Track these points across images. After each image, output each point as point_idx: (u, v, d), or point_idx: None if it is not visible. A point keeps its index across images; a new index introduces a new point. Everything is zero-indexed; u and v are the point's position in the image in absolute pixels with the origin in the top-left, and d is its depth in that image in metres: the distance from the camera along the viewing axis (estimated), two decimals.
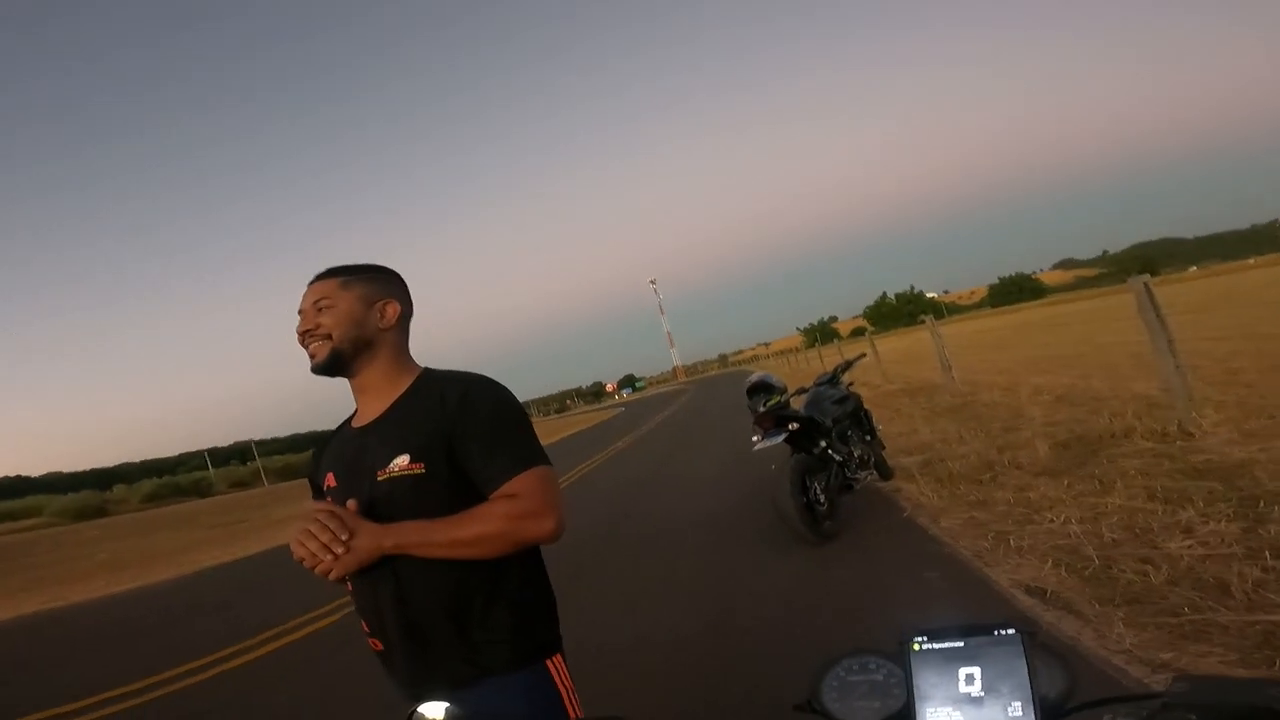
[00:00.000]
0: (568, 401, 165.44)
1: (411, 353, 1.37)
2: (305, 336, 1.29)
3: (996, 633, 0.62)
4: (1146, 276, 5.47)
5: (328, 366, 1.28)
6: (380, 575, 1.20)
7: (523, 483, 1.20)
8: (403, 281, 1.38)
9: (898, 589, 3.41)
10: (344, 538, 1.14)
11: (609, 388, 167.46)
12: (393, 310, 1.32)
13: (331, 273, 1.32)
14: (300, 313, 1.30)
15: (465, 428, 1.22)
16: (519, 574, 1.25)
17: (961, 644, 0.63)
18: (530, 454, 1.23)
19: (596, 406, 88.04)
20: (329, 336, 1.27)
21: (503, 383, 1.30)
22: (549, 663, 1.25)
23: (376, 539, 1.16)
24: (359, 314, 1.29)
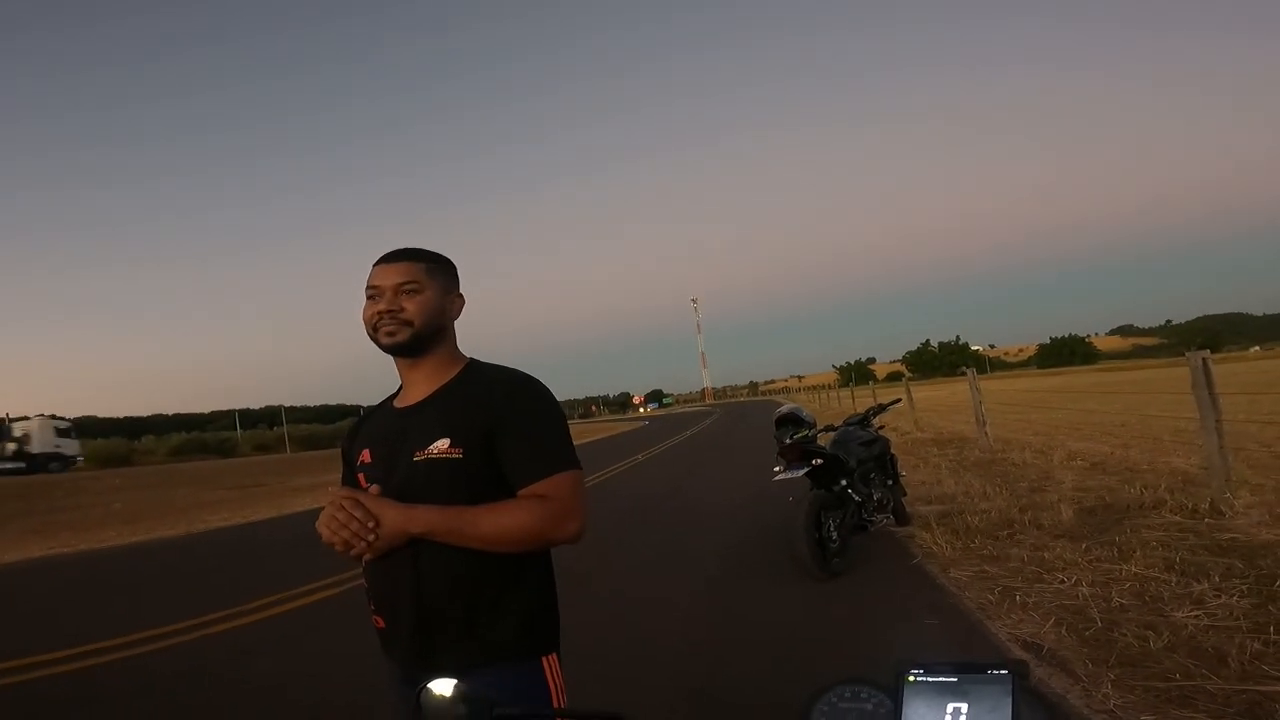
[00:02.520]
0: (593, 408, 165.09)
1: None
2: (385, 315, 1.28)
3: (990, 671, 0.63)
4: (1206, 352, 5.36)
5: (405, 349, 1.30)
6: (399, 557, 1.22)
7: (555, 484, 1.24)
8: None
9: (895, 631, 3.45)
10: (371, 525, 1.17)
11: (636, 400, 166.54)
12: (460, 303, 1.37)
13: (415, 255, 1.33)
14: (376, 288, 1.30)
15: (510, 421, 1.25)
16: (532, 571, 1.28)
17: (955, 679, 0.63)
18: (566, 457, 1.27)
19: (621, 417, 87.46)
20: (410, 322, 1.28)
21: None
22: (545, 660, 1.28)
23: (403, 525, 1.18)
24: (439, 303, 1.32)
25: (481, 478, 1.24)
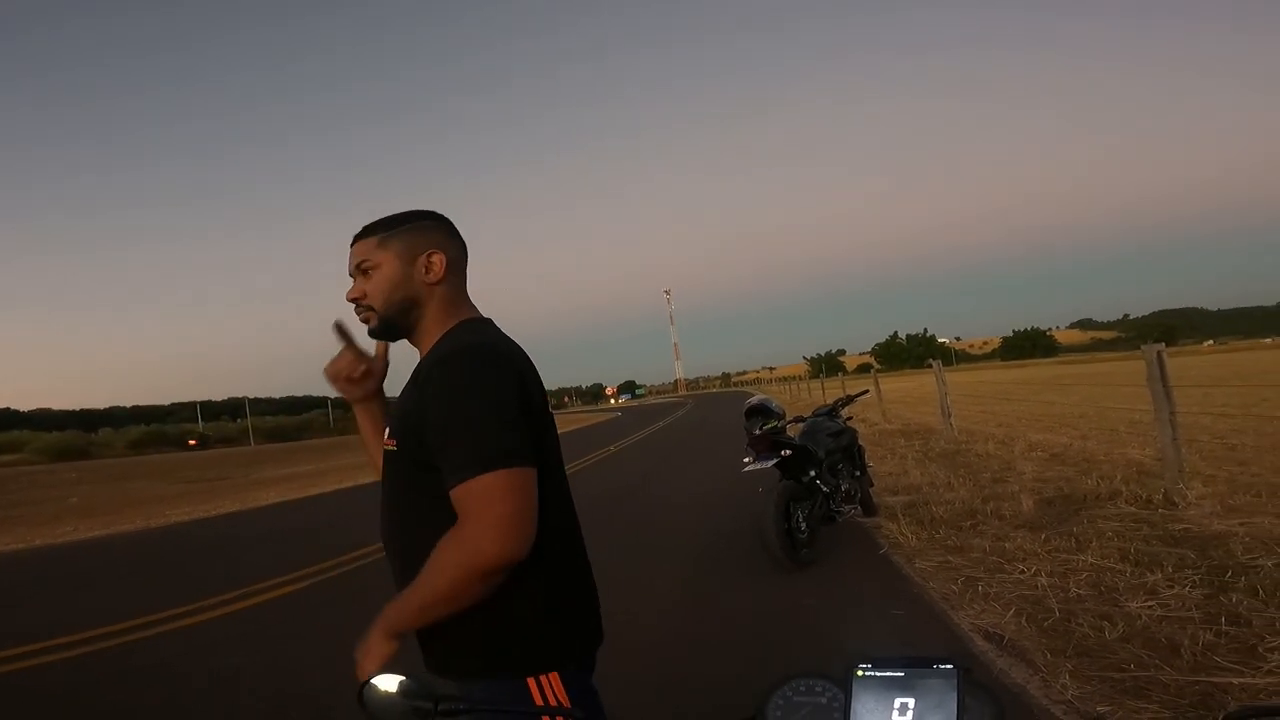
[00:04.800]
0: (565, 399, 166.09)
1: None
2: (355, 305, 1.19)
3: (935, 666, 0.64)
4: (1161, 345, 5.50)
5: (380, 334, 1.21)
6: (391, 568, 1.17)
7: (464, 494, 0.98)
8: (448, 224, 1.22)
9: (862, 622, 3.48)
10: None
11: (608, 391, 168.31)
12: (439, 261, 1.17)
13: (369, 230, 1.18)
14: (350, 275, 1.20)
15: (427, 411, 1.04)
16: (505, 584, 1.05)
17: (902, 674, 0.65)
18: (487, 452, 0.98)
19: (594, 408, 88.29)
20: (374, 306, 1.17)
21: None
22: (531, 680, 1.07)
23: (374, 645, 1.05)
24: (400, 274, 1.16)
25: (417, 469, 1.07)
